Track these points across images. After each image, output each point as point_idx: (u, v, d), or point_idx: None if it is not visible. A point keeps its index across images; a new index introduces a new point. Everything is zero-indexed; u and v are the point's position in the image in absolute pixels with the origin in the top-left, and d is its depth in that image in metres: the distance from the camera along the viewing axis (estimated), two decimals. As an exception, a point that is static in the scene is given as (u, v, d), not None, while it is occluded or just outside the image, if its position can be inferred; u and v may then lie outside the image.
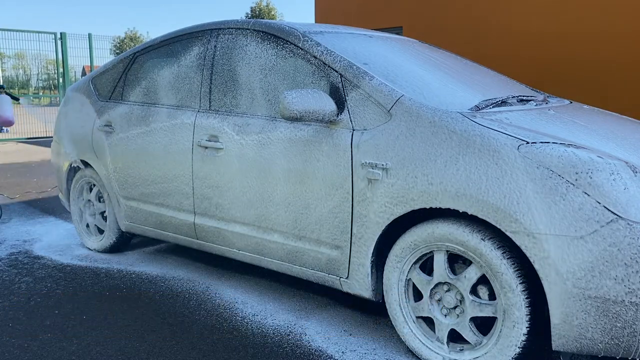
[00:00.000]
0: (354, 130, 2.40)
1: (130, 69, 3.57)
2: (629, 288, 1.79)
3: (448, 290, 2.21)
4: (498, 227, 2.00)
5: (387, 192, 2.27)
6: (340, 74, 2.51)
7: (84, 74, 15.30)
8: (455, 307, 2.20)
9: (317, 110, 2.37)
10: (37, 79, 21.49)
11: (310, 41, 2.68)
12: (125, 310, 2.84)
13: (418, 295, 2.34)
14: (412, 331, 2.33)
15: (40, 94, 21.81)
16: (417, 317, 2.33)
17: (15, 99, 4.25)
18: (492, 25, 6.66)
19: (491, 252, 2.03)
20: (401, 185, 2.22)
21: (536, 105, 2.67)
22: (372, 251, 2.36)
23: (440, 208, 2.16)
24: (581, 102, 3.23)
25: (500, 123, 2.16)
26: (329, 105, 2.40)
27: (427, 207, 2.16)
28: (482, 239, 2.06)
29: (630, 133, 2.48)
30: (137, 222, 3.45)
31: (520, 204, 1.93)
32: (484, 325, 2.19)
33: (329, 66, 2.55)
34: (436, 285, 2.24)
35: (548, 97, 3.12)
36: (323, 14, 8.94)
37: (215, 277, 3.31)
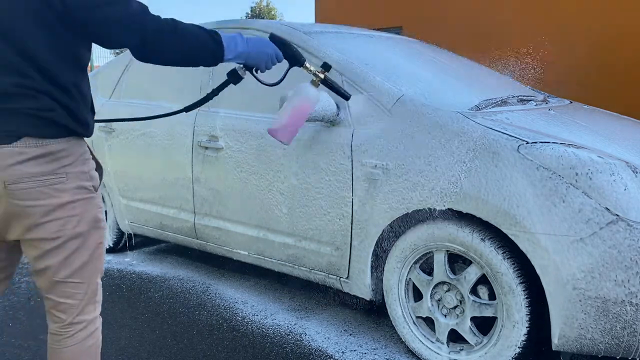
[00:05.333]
0: (354, 129, 2.40)
1: (130, 69, 3.56)
2: (629, 290, 1.79)
3: (448, 290, 2.21)
4: (499, 228, 1.99)
5: (387, 192, 2.26)
6: (341, 74, 2.50)
7: (84, 73, 15.25)
8: (455, 307, 2.20)
9: (318, 109, 2.37)
10: (37, 79, 21.46)
11: (311, 41, 2.68)
12: (125, 310, 2.84)
13: (418, 296, 2.33)
14: (412, 331, 2.33)
15: (40, 93, 21.79)
16: (417, 318, 2.33)
17: (343, 96, 2.05)
18: (492, 25, 6.66)
19: (491, 252, 2.03)
20: (401, 185, 2.22)
21: (536, 105, 2.67)
22: (372, 251, 2.36)
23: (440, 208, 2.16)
24: (582, 102, 3.23)
25: (501, 123, 2.16)
26: (330, 105, 2.40)
27: (427, 207, 2.16)
28: (482, 239, 2.05)
29: (631, 133, 2.48)
30: (138, 222, 3.45)
31: (521, 205, 1.93)
32: (484, 325, 2.19)
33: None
34: (436, 285, 2.24)
35: (548, 97, 3.12)
36: (323, 14, 8.94)
37: (215, 277, 3.31)
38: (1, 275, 1.55)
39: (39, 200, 1.38)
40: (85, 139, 1.51)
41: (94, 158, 1.56)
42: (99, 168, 1.59)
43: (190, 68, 3.11)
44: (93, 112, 1.53)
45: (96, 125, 3.57)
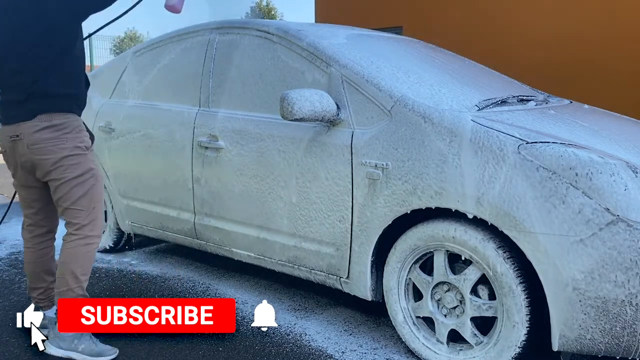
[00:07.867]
0: (354, 130, 2.40)
1: (129, 69, 3.56)
2: (629, 290, 1.79)
3: (448, 290, 2.21)
4: (499, 228, 1.99)
5: (387, 192, 2.26)
6: (341, 74, 2.50)
7: (84, 73, 15.21)
8: (455, 307, 2.20)
9: (318, 110, 2.36)
10: (37, 79, 21.38)
11: (311, 41, 2.68)
12: (125, 310, 2.83)
13: (418, 296, 2.33)
14: (412, 331, 2.33)
15: (40, 93, 21.71)
16: (417, 318, 2.33)
17: None
18: (493, 25, 6.66)
19: (491, 253, 2.03)
20: (401, 185, 2.22)
21: (536, 105, 2.67)
22: (372, 251, 2.36)
23: (440, 208, 2.15)
24: (583, 102, 3.22)
25: (501, 123, 2.16)
26: (330, 105, 2.40)
27: (427, 207, 2.16)
28: (482, 239, 2.05)
29: (632, 133, 2.48)
30: (138, 223, 3.45)
31: (521, 206, 1.93)
32: (484, 325, 2.19)
33: (330, 66, 2.55)
34: (436, 285, 2.24)
35: (548, 97, 3.12)
36: (323, 14, 8.93)
37: (215, 277, 3.31)
38: (38, 209, 2.40)
39: (48, 155, 2.19)
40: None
41: (87, 130, 2.35)
42: (91, 137, 2.38)
43: (190, 69, 3.12)
44: (85, 93, 2.33)
45: (96, 125, 3.58)
